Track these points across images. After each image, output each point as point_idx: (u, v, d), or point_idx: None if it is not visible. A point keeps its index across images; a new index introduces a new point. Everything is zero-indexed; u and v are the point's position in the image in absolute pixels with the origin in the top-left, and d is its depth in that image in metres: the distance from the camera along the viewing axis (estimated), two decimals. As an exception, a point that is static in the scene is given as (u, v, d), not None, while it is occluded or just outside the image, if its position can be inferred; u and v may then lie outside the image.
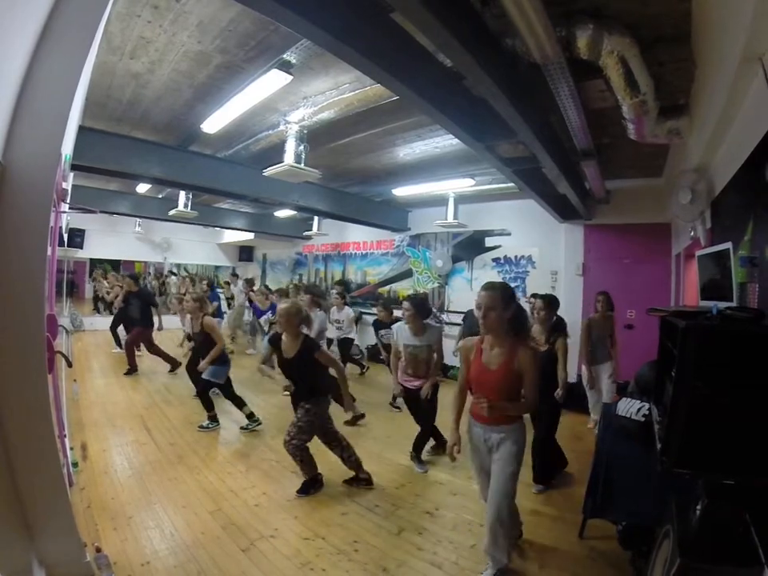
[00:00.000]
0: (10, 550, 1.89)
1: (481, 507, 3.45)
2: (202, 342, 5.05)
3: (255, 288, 9.57)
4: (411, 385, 4.14)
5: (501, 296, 2.47)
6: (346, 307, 7.37)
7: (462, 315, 7.31)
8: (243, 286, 9.94)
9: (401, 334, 4.16)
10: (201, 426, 4.95)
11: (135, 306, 7.53)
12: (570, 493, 3.63)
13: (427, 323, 4.15)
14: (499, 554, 2.55)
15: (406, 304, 4.04)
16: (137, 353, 7.78)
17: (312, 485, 3.66)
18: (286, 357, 3.55)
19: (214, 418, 5.03)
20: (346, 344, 7.31)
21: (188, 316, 5.42)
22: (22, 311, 1.81)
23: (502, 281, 2.69)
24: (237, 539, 2.95)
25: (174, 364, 7.46)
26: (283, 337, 3.60)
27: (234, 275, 11.65)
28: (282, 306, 3.61)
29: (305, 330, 3.69)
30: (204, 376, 4.91)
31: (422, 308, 4.10)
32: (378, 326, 6.65)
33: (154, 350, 7.59)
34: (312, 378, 3.55)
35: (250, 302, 9.44)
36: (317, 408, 3.56)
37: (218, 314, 9.02)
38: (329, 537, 3.03)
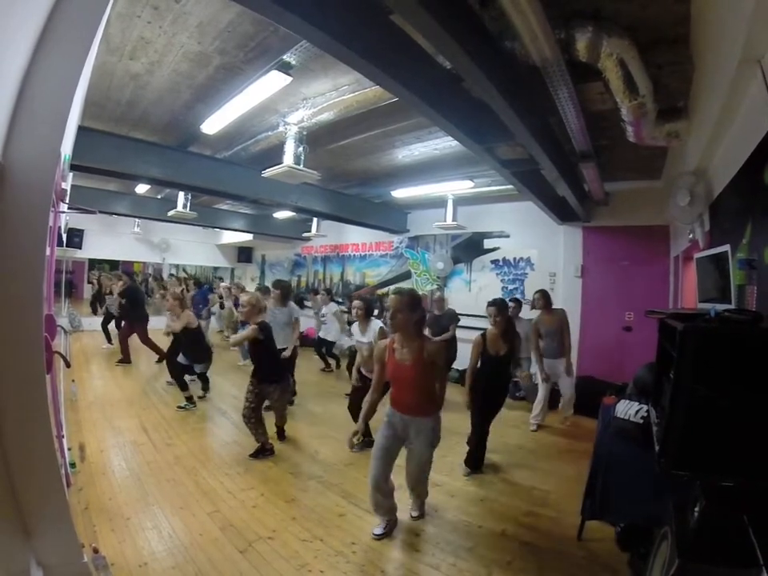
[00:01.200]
0: (7, 551, 1.88)
1: (477, 508, 3.47)
2: (184, 336, 5.75)
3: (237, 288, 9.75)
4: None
5: (407, 301, 2.87)
6: (331, 303, 8.15)
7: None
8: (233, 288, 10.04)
9: (354, 332, 4.50)
10: (179, 407, 5.58)
11: (127, 302, 7.79)
12: (568, 494, 3.63)
13: (373, 320, 4.40)
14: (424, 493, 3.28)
15: (356, 303, 4.42)
16: (102, 346, 8.34)
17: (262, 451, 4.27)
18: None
19: (190, 399, 5.65)
20: (324, 344, 8.13)
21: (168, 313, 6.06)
22: (20, 311, 1.80)
23: (411, 288, 3.21)
24: (235, 541, 2.94)
25: (163, 356, 7.54)
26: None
27: (220, 279, 11.91)
28: (243, 297, 4.37)
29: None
30: (180, 360, 5.81)
31: (369, 307, 4.49)
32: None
33: (148, 343, 7.88)
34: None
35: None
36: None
37: (208, 315, 9.10)
38: (327, 538, 3.02)
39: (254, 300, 4.31)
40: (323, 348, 8.36)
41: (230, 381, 7.03)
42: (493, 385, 4.05)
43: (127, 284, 8.06)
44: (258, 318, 4.27)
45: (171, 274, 15.10)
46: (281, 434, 4.73)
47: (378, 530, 3.07)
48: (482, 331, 4.19)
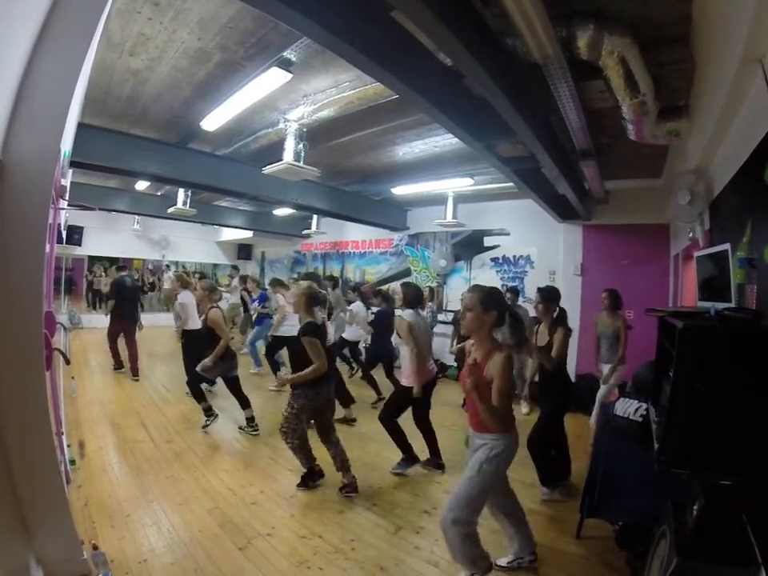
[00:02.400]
0: (7, 548, 1.89)
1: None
2: (205, 335, 4.85)
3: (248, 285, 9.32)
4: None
5: (479, 298, 2.44)
6: (358, 301, 7.37)
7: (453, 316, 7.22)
8: (238, 282, 9.84)
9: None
10: (204, 426, 4.83)
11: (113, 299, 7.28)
12: (567, 492, 3.63)
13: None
14: (461, 561, 2.48)
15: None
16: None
17: (310, 477, 3.69)
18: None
19: (208, 411, 4.89)
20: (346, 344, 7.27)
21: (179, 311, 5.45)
22: (20, 308, 1.80)
23: (492, 286, 2.66)
24: (234, 537, 2.94)
25: (119, 365, 7.21)
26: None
27: (235, 267, 11.67)
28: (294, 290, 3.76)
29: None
30: (197, 369, 4.73)
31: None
32: None
33: (132, 348, 7.16)
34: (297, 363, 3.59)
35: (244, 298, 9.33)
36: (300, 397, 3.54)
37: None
38: (326, 535, 3.03)
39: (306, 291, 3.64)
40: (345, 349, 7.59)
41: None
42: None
43: (113, 278, 7.57)
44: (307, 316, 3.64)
45: (167, 266, 15.05)
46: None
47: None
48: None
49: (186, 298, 6.01)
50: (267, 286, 7.72)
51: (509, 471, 2.61)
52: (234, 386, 4.93)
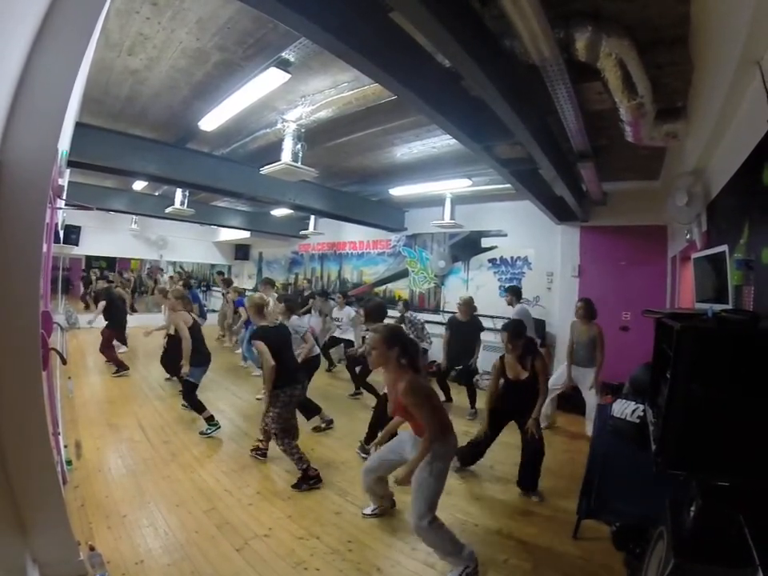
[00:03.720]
0: (3, 549, 1.88)
1: (474, 507, 3.47)
2: (176, 338, 5.11)
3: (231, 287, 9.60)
4: None
5: (382, 337, 2.74)
6: (347, 307, 7.62)
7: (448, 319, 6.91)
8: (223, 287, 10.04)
9: None
10: (201, 432, 4.74)
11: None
12: (564, 493, 3.64)
13: None
14: (449, 555, 2.67)
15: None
16: (119, 350, 7.87)
17: (305, 479, 3.71)
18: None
19: (210, 420, 4.81)
20: (346, 344, 7.39)
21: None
22: (16, 308, 1.79)
23: (391, 325, 3.02)
24: (231, 538, 2.94)
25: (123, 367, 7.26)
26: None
27: (220, 273, 11.93)
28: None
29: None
30: (185, 377, 4.84)
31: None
32: None
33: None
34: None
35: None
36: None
37: (201, 314, 8.91)
38: (323, 536, 3.03)
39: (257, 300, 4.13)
40: (334, 347, 8.08)
41: (229, 380, 7.02)
42: (513, 411, 3.84)
43: (101, 290, 7.92)
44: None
45: (159, 268, 15.05)
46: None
47: (368, 510, 3.29)
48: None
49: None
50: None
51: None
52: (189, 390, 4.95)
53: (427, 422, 2.63)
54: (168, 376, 6.38)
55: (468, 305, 6.06)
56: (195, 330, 5.04)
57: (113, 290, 8.00)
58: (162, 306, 7.27)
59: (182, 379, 4.95)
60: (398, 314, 7.02)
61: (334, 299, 8.41)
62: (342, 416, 5.41)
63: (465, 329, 6.01)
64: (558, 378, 5.30)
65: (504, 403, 3.83)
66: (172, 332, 5.58)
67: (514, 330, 3.81)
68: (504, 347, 3.85)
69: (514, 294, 6.24)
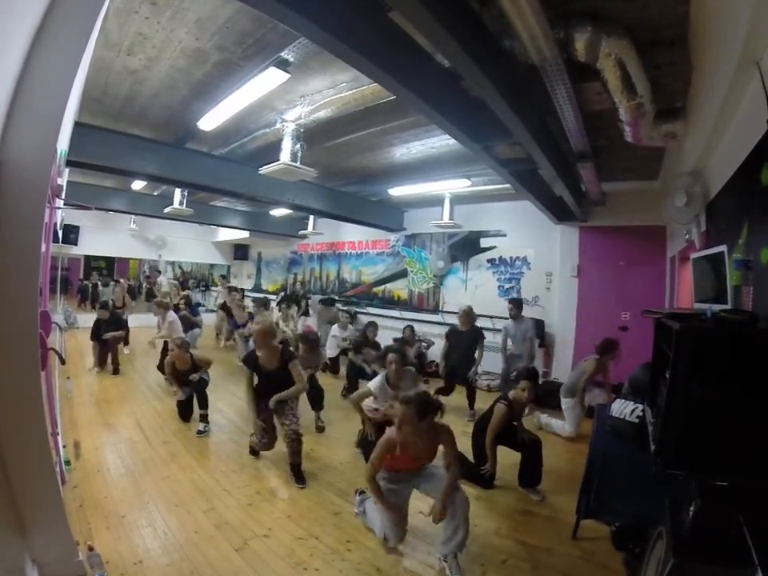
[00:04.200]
0: (2, 549, 1.87)
1: (474, 507, 3.46)
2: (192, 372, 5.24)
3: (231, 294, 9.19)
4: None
5: (414, 411, 2.63)
6: (350, 326, 7.88)
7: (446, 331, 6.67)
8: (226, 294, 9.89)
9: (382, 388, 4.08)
10: (199, 431, 4.77)
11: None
12: (563, 493, 3.64)
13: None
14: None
15: (391, 356, 4.07)
16: (125, 351, 8.13)
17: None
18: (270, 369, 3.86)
19: (205, 418, 4.89)
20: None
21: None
22: (15, 307, 1.79)
23: (418, 393, 2.79)
24: (230, 538, 2.93)
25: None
26: (259, 353, 3.85)
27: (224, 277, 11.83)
28: (255, 326, 3.93)
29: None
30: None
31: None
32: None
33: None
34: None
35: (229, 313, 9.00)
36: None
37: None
38: (322, 536, 3.02)
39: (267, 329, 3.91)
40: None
41: (229, 380, 7.02)
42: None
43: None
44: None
45: (158, 270, 15.00)
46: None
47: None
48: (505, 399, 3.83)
49: (172, 316, 7.01)
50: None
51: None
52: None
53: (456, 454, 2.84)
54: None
55: (468, 314, 5.99)
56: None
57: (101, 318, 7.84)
58: (158, 319, 7.26)
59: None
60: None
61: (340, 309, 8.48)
62: (341, 416, 5.40)
63: (464, 339, 5.93)
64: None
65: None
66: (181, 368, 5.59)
67: (534, 376, 3.90)
68: (517, 390, 3.80)
69: (518, 307, 6.16)
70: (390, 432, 2.81)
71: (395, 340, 7.48)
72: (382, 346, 5.69)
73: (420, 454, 2.81)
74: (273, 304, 10.50)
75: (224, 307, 9.04)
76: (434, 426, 2.73)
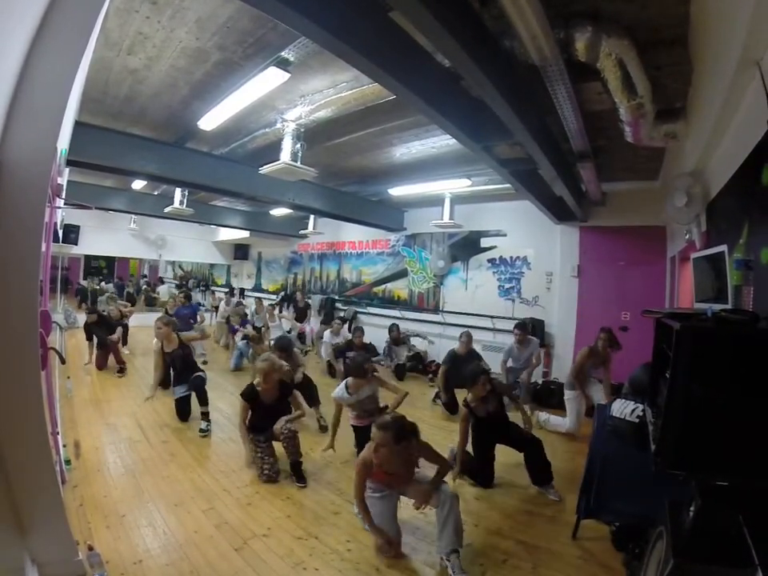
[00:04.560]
0: (2, 549, 1.88)
1: (474, 507, 3.47)
2: (182, 355, 5.38)
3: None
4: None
5: (391, 436, 2.69)
6: (343, 331, 7.78)
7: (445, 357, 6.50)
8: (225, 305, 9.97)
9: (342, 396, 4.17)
10: (201, 430, 4.79)
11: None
12: (563, 493, 3.63)
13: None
14: None
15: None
16: (125, 351, 8.05)
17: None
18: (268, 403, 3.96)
19: (206, 416, 4.92)
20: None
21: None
22: (15, 307, 1.79)
23: (395, 417, 2.88)
24: (230, 538, 2.93)
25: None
26: (260, 388, 3.91)
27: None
28: (259, 365, 3.96)
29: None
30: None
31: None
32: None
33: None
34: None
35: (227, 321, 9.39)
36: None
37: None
38: (322, 536, 3.02)
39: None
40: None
41: (228, 380, 7.02)
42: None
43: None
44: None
45: (161, 279, 15.01)
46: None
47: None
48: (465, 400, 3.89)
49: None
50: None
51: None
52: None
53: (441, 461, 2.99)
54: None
55: (470, 338, 6.11)
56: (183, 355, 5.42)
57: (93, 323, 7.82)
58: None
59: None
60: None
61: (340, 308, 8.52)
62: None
63: (463, 363, 5.81)
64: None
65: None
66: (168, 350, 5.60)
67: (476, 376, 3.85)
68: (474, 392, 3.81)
69: (525, 331, 6.13)
70: (365, 452, 2.91)
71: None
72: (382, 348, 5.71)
73: (398, 471, 2.87)
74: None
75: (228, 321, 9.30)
76: (410, 447, 2.80)
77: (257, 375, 3.93)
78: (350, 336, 7.72)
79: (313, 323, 9.24)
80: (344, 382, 4.15)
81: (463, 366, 5.77)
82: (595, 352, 5.06)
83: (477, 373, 3.83)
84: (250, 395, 3.94)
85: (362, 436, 4.05)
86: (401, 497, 3.04)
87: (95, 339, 7.36)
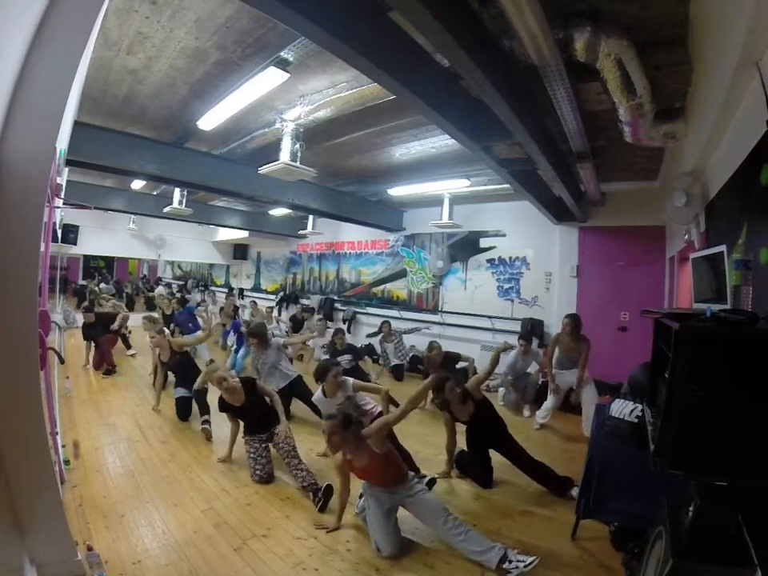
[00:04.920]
0: (1, 549, 1.88)
1: (474, 507, 3.48)
2: (180, 363, 5.45)
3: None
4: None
5: (338, 423, 2.88)
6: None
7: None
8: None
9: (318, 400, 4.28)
10: (204, 422, 4.82)
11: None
12: (562, 494, 3.63)
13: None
14: None
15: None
16: (129, 352, 8.22)
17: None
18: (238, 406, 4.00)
19: (207, 422, 4.86)
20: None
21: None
22: (14, 307, 1.79)
23: (341, 408, 3.18)
24: (229, 538, 2.94)
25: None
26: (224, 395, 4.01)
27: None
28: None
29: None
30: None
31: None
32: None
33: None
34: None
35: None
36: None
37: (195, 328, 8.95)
38: (321, 536, 3.02)
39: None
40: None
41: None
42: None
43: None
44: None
45: (159, 279, 15.02)
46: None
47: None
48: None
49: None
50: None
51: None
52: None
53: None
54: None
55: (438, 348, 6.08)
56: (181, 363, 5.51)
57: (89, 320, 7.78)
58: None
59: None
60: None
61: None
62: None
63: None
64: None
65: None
66: (165, 359, 5.63)
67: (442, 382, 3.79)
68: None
69: (530, 341, 6.14)
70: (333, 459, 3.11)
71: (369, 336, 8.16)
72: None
73: (365, 466, 2.96)
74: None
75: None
76: (362, 436, 2.94)
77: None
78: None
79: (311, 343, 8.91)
80: (321, 386, 4.20)
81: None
82: (558, 339, 5.22)
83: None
84: (221, 407, 4.08)
85: None
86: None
87: (92, 342, 7.39)
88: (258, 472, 3.76)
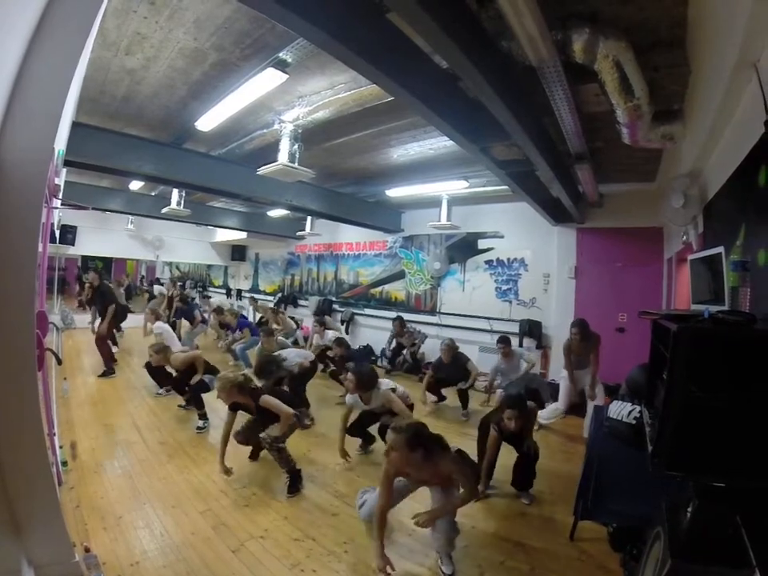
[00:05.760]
0: (-3, 550, 1.87)
1: (471, 509, 3.46)
2: (182, 380, 5.51)
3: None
4: None
5: (405, 440, 2.60)
6: (328, 332, 7.52)
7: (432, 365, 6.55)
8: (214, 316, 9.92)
9: (355, 403, 4.18)
10: (198, 428, 4.90)
11: (99, 302, 7.52)
12: (560, 494, 3.64)
13: (376, 389, 4.08)
14: None
15: (350, 376, 4.08)
16: (115, 349, 7.98)
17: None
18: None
19: (204, 416, 4.99)
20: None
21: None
22: (11, 307, 1.79)
23: (411, 424, 2.84)
24: (227, 539, 2.93)
25: (110, 369, 7.11)
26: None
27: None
28: (217, 384, 3.90)
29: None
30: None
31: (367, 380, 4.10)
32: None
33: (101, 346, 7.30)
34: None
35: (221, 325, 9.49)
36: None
37: (203, 321, 8.96)
38: (319, 537, 3.02)
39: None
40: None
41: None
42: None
43: (96, 282, 7.66)
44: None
45: (157, 278, 15.03)
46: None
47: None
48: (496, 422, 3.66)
49: (162, 327, 7.12)
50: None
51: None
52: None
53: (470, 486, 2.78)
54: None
55: (450, 347, 6.11)
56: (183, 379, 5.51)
57: (104, 284, 7.80)
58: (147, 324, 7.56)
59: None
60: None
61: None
62: (337, 418, 5.39)
63: (450, 370, 6.07)
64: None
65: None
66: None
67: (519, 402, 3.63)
68: (503, 419, 3.56)
69: (507, 343, 6.07)
70: (384, 464, 2.82)
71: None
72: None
73: (423, 479, 2.85)
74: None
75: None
76: (433, 458, 2.67)
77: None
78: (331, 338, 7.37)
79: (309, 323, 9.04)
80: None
81: (448, 372, 6.06)
82: (570, 347, 5.18)
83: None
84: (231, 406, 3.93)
85: None
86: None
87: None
88: (241, 433, 3.87)
